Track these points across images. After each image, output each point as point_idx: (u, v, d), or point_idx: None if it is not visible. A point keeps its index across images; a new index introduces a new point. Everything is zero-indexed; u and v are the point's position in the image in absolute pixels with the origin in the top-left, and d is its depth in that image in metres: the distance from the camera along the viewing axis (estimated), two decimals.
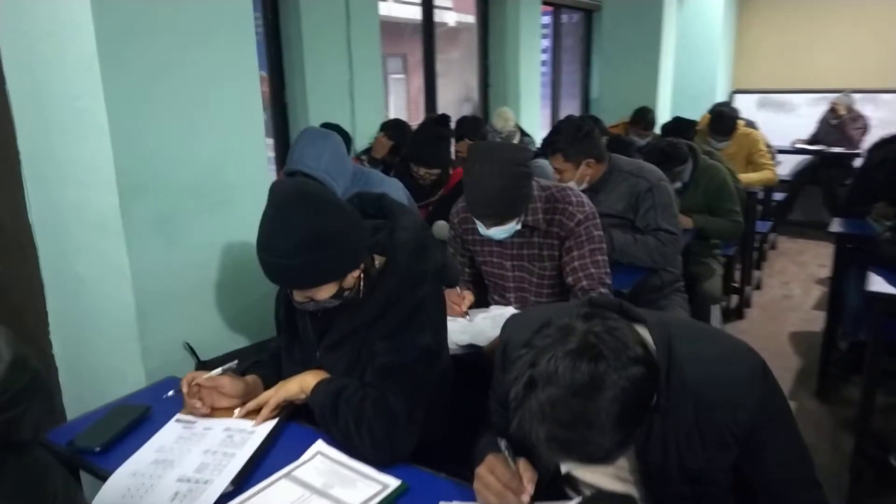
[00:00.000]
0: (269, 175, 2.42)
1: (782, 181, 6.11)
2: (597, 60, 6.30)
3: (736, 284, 4.29)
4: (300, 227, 1.22)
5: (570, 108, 7.41)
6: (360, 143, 3.97)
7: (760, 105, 7.20)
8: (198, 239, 1.74)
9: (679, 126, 3.76)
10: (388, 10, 7.06)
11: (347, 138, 3.29)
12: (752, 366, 1.09)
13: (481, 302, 2.25)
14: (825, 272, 5.23)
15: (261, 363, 1.56)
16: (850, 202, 3.42)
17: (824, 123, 6.27)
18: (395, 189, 2.57)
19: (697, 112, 5.16)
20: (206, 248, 1.78)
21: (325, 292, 1.30)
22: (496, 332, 1.82)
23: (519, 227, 1.95)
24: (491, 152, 1.85)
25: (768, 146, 5.39)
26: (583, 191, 2.55)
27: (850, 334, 3.17)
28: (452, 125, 3.84)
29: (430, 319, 1.39)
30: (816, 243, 6.06)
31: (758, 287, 4.80)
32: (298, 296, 1.32)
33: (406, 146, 3.50)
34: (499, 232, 1.93)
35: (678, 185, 3.15)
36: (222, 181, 1.77)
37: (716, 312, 3.07)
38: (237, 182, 1.80)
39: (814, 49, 6.95)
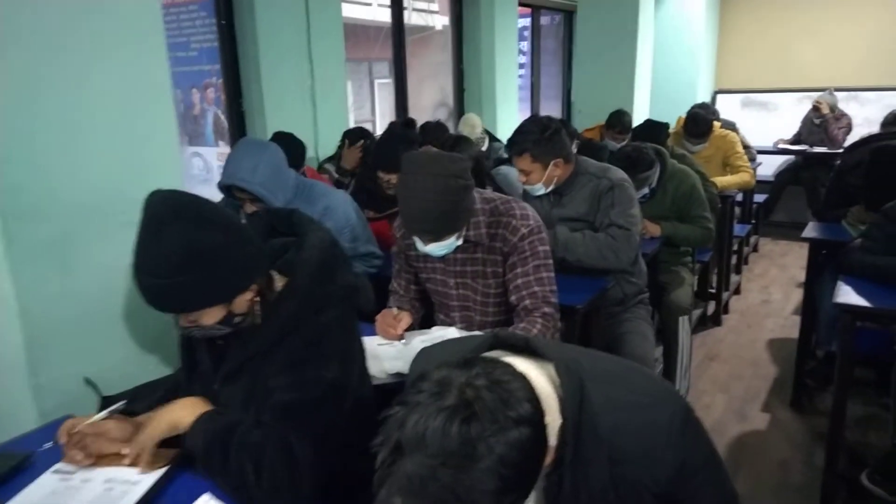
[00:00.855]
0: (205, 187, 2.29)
1: (764, 182, 6.03)
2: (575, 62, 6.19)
3: (713, 290, 4.18)
4: (174, 243, 1.09)
5: (550, 110, 7.29)
6: (324, 150, 3.86)
7: (744, 105, 7.10)
8: (100, 263, 1.62)
9: (650, 129, 3.65)
10: (372, 14, 6.89)
11: (300, 147, 3.16)
12: (673, 412, 0.97)
13: (430, 320, 2.14)
14: None
15: (170, 393, 1.44)
16: (826, 206, 3.32)
17: (807, 123, 6.18)
18: (341, 202, 2.46)
19: (677, 114, 5.05)
20: (110, 272, 1.65)
21: (211, 317, 1.18)
22: None
23: (460, 242, 1.84)
24: (424, 164, 1.73)
25: (747, 147, 5.29)
26: (548, 193, 2.45)
27: (824, 344, 3.06)
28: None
29: (337, 349, 1.26)
30: (800, 245, 5.94)
31: (737, 292, 4.69)
32: (182, 320, 1.20)
33: (371, 153, 3.39)
34: (437, 248, 1.81)
35: (645, 191, 3.04)
36: (129, 199, 1.63)
37: (684, 324, 2.95)
38: None
39: (797, 47, 6.85)
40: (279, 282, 1.29)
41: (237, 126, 3.59)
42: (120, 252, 1.67)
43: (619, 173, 2.47)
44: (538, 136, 2.34)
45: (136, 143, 1.69)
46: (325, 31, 3.78)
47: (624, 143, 4.50)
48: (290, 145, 3.13)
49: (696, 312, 3.95)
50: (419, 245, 1.83)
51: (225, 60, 3.53)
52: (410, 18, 6.68)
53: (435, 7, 6.61)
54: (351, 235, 2.46)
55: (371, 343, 1.85)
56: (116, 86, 1.63)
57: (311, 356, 1.22)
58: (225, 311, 1.19)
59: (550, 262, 1.88)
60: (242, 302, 1.20)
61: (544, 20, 8.59)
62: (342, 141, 3.62)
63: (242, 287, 1.19)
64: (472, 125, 4.19)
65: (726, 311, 4.34)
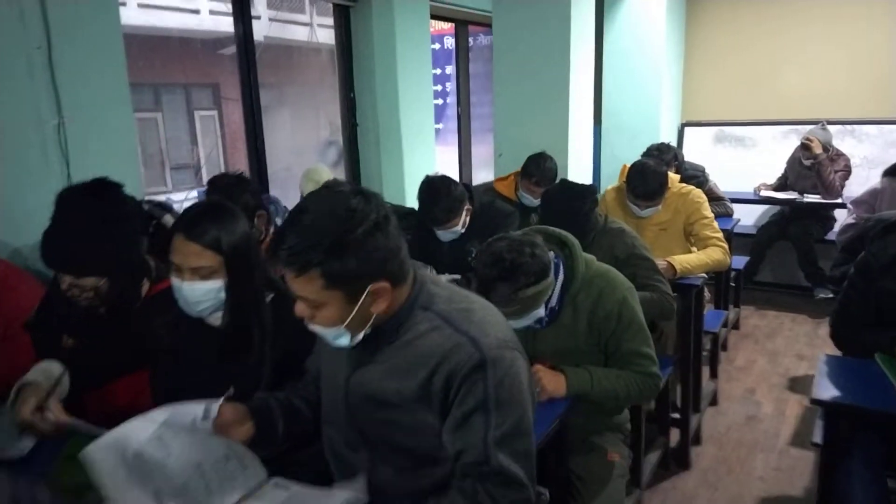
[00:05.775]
0: None
1: (744, 236, 4.80)
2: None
3: (676, 416, 2.89)
4: None
5: (485, 146, 6.10)
6: None
7: (717, 140, 5.90)
8: None
9: (567, 198, 2.33)
10: (196, 21, 4.72)
11: None
12: None
13: None
14: (804, 368, 3.88)
15: None
16: (842, 323, 2.06)
17: (795, 164, 4.97)
18: None
19: (637, 153, 3.82)
20: None
21: None
22: None
23: None
24: None
25: (719, 199, 4.08)
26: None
27: None
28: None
29: None
30: (791, 317, 4.72)
31: (713, 402, 3.41)
32: None
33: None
34: None
35: (540, 313, 1.75)
36: None
37: None
38: None
39: (780, 70, 5.65)
40: None
41: None
42: None
43: (496, 330, 1.17)
44: (334, 236, 1.05)
45: None
46: (90, 43, 2.51)
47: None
48: None
49: (654, 457, 2.67)
50: None
51: None
52: (273, 31, 5.21)
53: (322, 20, 5.33)
54: None
55: None
56: None
57: None
58: None
59: None
60: None
61: (483, 40, 7.42)
62: None
63: None
64: (315, 181, 2.89)
65: (698, 440, 3.05)
